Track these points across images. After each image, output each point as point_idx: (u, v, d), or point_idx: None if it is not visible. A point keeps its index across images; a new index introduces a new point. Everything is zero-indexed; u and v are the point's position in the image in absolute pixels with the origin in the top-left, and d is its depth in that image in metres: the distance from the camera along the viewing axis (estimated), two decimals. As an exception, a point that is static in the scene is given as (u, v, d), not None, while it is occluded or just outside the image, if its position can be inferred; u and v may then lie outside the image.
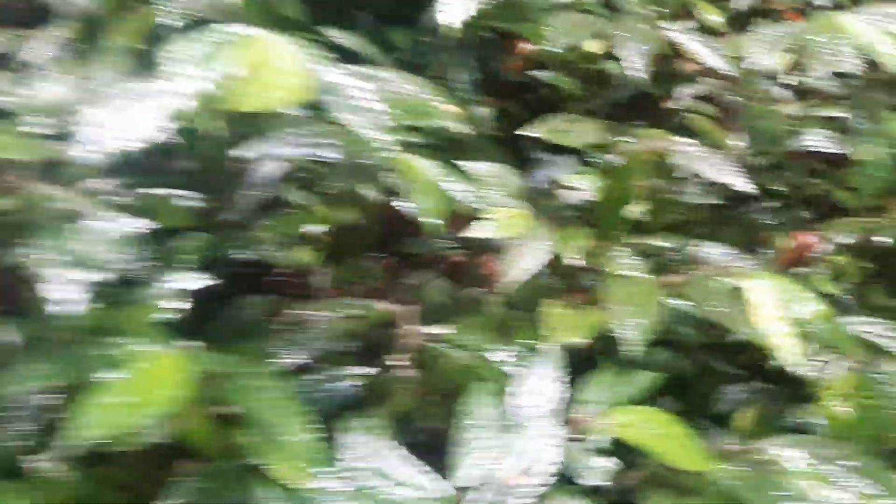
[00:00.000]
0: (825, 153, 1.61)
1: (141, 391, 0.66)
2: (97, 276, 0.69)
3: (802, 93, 1.52)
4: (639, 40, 1.15)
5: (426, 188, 1.08)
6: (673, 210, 1.15)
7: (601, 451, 0.83)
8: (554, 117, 1.15)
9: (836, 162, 1.82)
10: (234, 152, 1.07)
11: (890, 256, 1.57)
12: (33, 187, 0.77)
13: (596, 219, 1.11)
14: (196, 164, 1.20)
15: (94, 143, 0.79)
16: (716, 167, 1.07)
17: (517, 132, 1.16)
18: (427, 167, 1.11)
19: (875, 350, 1.23)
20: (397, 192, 1.26)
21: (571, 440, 0.85)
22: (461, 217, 1.59)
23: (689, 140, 1.15)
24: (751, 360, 1.38)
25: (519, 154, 1.62)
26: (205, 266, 1.10)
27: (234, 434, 0.92)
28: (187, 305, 0.92)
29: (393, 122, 0.80)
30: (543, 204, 1.17)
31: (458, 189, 1.12)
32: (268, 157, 1.15)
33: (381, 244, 1.83)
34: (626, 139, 1.12)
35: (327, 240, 1.56)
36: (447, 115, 0.96)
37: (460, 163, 1.16)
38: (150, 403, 0.65)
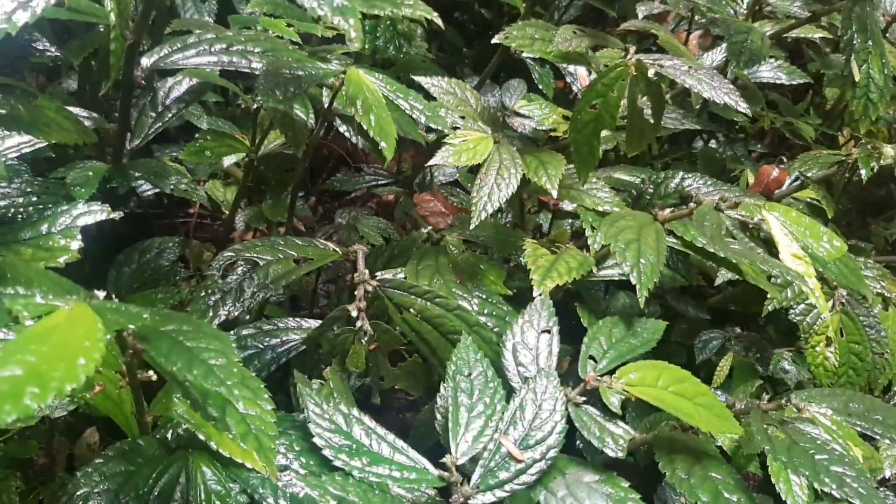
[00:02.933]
0: (778, 84, 1.53)
1: (51, 360, 0.47)
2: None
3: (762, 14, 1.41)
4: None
5: (379, 106, 0.90)
6: (648, 137, 1.01)
7: (613, 416, 0.69)
8: (527, 23, 0.98)
9: (789, 93, 1.74)
10: (144, 61, 0.86)
11: (860, 191, 1.49)
12: None
13: (573, 144, 0.96)
14: (91, 74, 0.98)
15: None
16: (709, 85, 0.93)
17: (494, 41, 0.99)
18: (378, 81, 0.93)
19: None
20: (333, 114, 1.07)
21: (577, 403, 0.70)
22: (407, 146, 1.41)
23: (672, 56, 1.00)
24: (720, 303, 1.28)
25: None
26: (104, 202, 0.89)
27: (162, 405, 0.75)
28: (78, 244, 0.72)
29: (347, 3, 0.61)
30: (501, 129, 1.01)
31: (411, 108, 0.95)
32: (178, 67, 0.94)
33: (305, 179, 1.63)
34: (606, 52, 0.97)
35: (240, 173, 1.36)
36: (417, 6, 0.77)
37: (418, 78, 0.98)
38: (60, 377, 0.46)
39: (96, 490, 0.71)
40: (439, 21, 0.87)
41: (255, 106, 0.93)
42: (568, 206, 1.24)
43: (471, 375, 0.71)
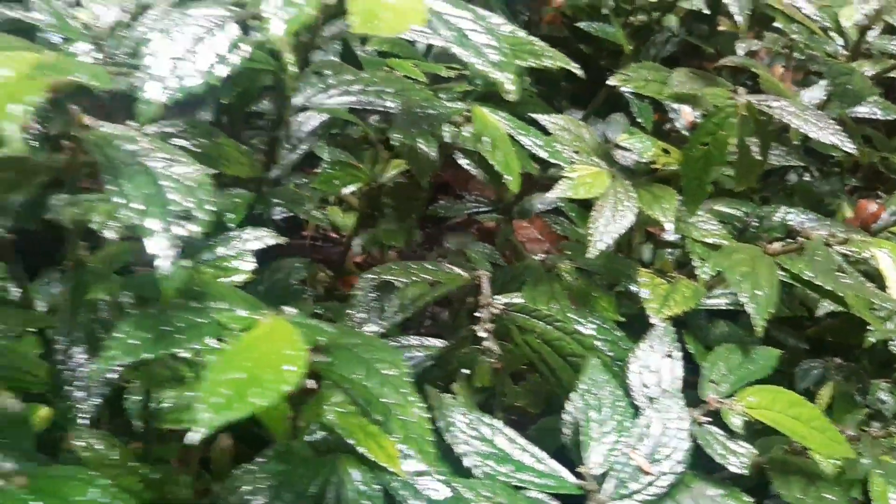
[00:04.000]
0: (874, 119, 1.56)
1: (263, 366, 0.55)
2: (195, 229, 0.58)
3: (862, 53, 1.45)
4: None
5: (504, 142, 0.97)
6: (755, 173, 1.07)
7: (736, 435, 0.75)
8: (641, 66, 1.05)
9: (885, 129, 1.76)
10: (295, 100, 0.95)
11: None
12: (100, 124, 0.65)
13: (683, 179, 1.02)
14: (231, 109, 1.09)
15: (166, 78, 0.68)
16: (816, 125, 0.98)
17: (610, 83, 1.06)
18: (501, 118, 1.01)
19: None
20: (454, 148, 1.15)
21: (700, 423, 0.76)
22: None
23: (778, 97, 1.06)
24: (818, 333, 1.32)
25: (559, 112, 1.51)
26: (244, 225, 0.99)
27: (313, 411, 0.82)
28: (251, 265, 0.81)
29: (505, 59, 0.69)
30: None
31: (533, 144, 1.02)
32: (323, 107, 1.03)
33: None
34: (715, 91, 1.03)
35: (354, 200, 1.45)
36: (557, 56, 0.85)
37: (537, 116, 1.06)
38: (273, 381, 0.54)
39: (260, 486, 0.79)
40: (580, 72, 0.95)
41: (393, 141, 1.01)
42: (669, 236, 1.30)
43: (599, 394, 0.77)
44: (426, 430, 0.71)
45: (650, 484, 0.71)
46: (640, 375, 0.80)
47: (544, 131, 1.10)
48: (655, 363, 0.81)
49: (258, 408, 0.53)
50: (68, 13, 0.69)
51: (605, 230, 0.97)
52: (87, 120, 0.65)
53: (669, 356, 0.81)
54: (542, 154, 1.01)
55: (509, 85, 0.67)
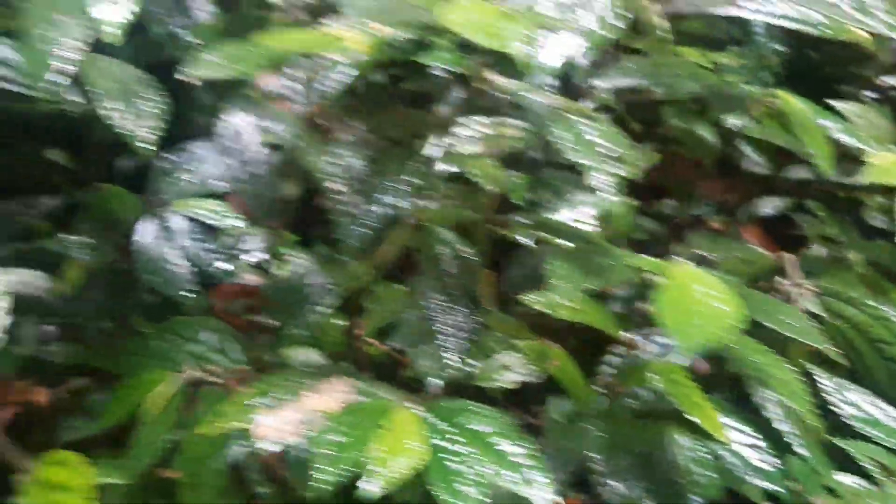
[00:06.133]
0: None
1: (702, 306, 0.57)
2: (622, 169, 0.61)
3: None
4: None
5: (812, 126, 0.97)
6: None
7: None
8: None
9: None
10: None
11: None
12: (496, 78, 0.69)
13: None
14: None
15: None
16: None
17: None
18: (806, 106, 1.01)
19: None
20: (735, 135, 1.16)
21: None
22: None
23: None
24: None
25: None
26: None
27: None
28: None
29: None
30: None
31: (833, 127, 1.01)
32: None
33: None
34: None
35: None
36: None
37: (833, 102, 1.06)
38: (722, 322, 0.56)
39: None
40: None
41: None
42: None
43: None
44: (802, 387, 0.72)
45: None
46: None
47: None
48: None
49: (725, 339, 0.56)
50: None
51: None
52: (486, 73, 0.70)
53: None
54: (845, 138, 1.00)
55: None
